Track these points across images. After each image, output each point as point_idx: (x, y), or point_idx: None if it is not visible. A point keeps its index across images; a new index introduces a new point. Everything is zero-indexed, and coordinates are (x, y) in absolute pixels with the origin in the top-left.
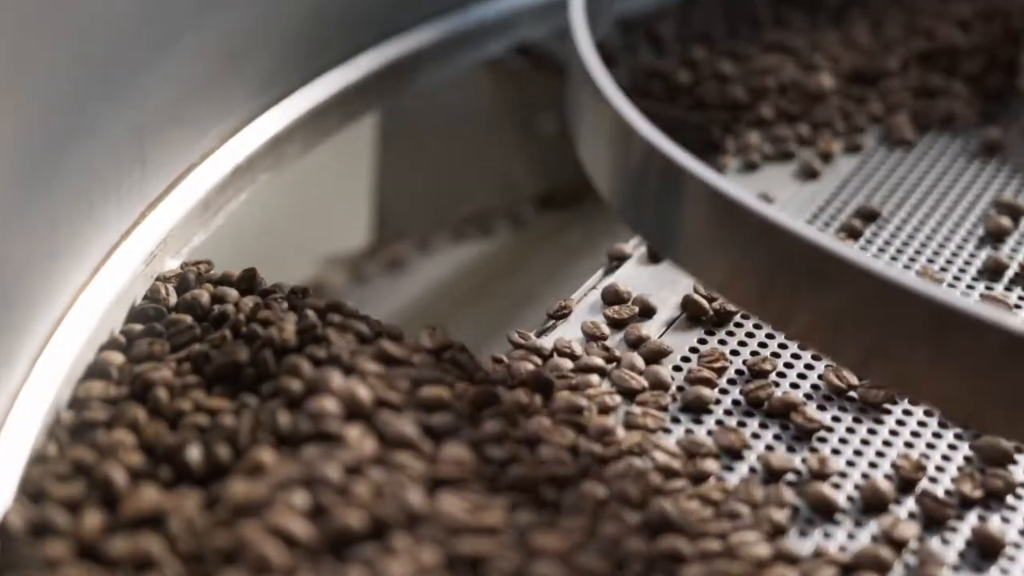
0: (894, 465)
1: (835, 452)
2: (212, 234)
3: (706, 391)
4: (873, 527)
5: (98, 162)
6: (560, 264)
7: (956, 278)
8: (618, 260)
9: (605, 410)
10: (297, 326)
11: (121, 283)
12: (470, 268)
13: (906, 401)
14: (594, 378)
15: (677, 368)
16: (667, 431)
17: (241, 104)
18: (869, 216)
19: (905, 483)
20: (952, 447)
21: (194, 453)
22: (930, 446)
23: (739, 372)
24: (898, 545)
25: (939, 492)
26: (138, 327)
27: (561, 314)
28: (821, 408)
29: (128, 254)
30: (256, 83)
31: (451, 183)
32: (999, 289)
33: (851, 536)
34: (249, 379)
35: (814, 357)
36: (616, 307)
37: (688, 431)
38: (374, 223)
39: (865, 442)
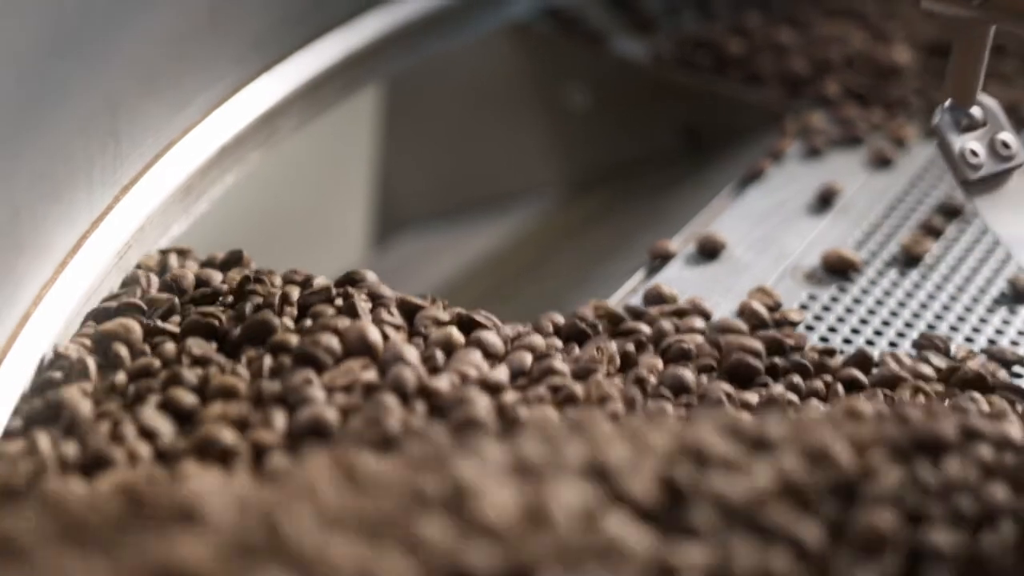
0: None
1: None
2: (194, 223)
3: None
4: None
5: (66, 138)
6: (593, 262)
7: None
8: (661, 259)
9: None
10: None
11: (91, 279)
12: (484, 265)
13: None
14: None
15: None
16: None
17: (228, 70)
18: (951, 212)
19: None
20: None
21: None
22: None
23: None
24: None
25: None
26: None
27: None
28: None
29: (99, 246)
30: (245, 45)
31: (465, 164)
32: None
33: None
34: None
35: None
36: None
37: None
38: (376, 210)
39: None
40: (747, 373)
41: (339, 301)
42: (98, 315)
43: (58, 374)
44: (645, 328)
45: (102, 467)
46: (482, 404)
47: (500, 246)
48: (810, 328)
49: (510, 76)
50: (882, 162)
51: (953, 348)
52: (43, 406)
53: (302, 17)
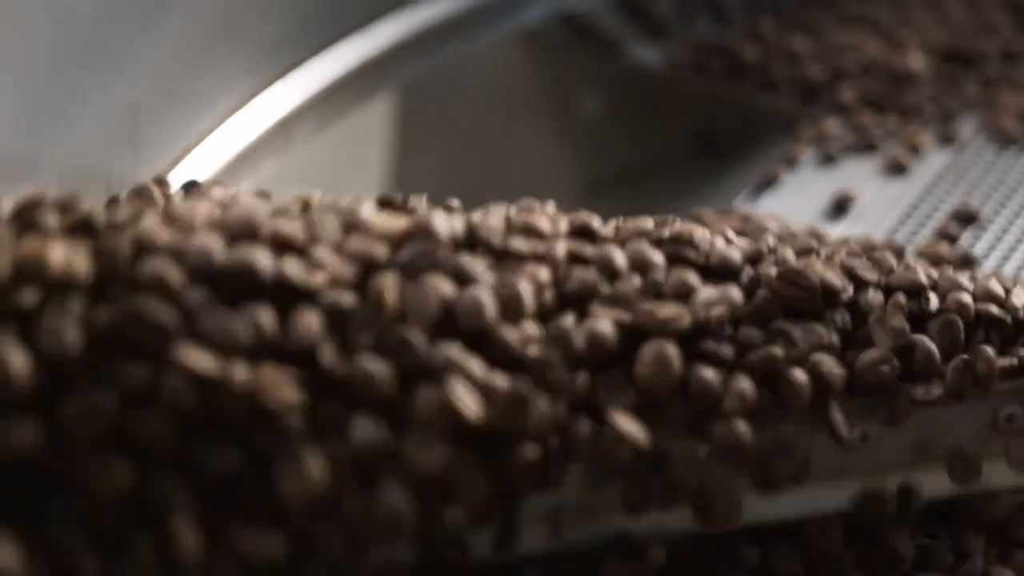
0: None
1: None
2: None
3: None
4: None
5: (85, 145)
6: None
7: None
8: None
9: None
10: None
11: None
12: None
13: None
14: None
15: None
16: None
17: (244, 77)
18: (966, 219)
19: None
20: None
21: None
22: None
23: None
24: None
25: None
26: None
27: None
28: None
29: None
30: (261, 52)
31: (478, 170)
32: None
33: None
34: None
35: None
36: None
37: None
38: None
39: None
40: None
41: None
42: None
43: None
44: None
45: None
46: None
47: None
48: None
49: (523, 82)
50: (897, 169)
51: None
52: None
53: (317, 24)
